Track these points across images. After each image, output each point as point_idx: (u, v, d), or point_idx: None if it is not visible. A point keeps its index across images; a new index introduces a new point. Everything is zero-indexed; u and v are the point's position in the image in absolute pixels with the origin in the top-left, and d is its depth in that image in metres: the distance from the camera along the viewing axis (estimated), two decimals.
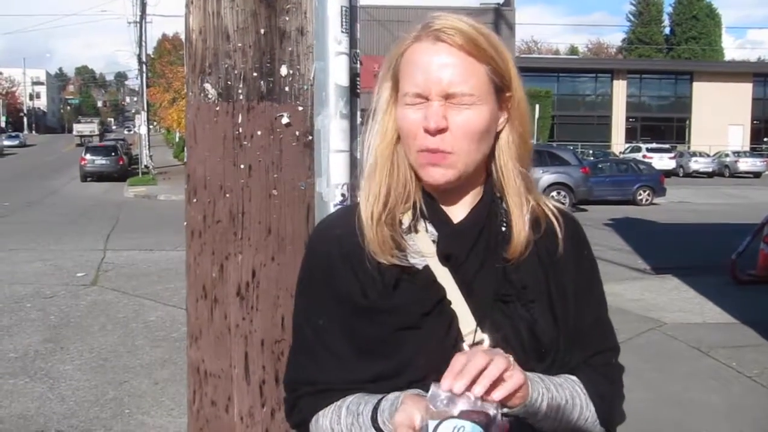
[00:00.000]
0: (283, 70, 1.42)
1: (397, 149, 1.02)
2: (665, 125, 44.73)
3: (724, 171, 34.11)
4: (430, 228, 1.01)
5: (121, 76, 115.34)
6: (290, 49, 1.42)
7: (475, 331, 0.96)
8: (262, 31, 1.40)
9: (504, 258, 0.99)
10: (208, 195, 1.46)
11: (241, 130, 1.43)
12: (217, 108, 1.43)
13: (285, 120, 1.42)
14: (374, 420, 0.92)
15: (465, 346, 0.95)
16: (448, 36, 0.94)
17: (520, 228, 0.99)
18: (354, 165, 1.50)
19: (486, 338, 0.96)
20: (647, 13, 61.76)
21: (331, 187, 1.44)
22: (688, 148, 40.49)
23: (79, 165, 27.01)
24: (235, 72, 1.41)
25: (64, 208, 17.36)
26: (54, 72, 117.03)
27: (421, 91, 0.95)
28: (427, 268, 0.98)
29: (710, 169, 34.24)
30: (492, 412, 0.85)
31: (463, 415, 0.84)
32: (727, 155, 35.46)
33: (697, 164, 34.51)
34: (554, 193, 16.43)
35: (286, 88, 1.43)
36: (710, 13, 59.24)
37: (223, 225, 1.45)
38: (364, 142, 1.06)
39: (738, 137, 42.39)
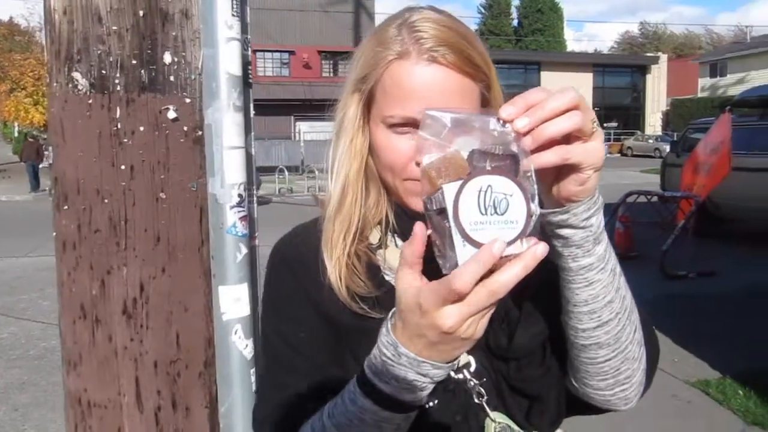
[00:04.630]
0: (167, 58, 1.26)
1: (366, 171, 0.91)
2: None
3: None
4: (400, 242, 0.92)
5: None
6: (174, 33, 1.26)
7: None
8: (141, 12, 1.24)
9: None
10: (83, 201, 1.28)
11: (119, 126, 1.26)
12: (90, 101, 1.25)
13: (171, 114, 1.27)
14: (362, 378, 0.75)
15: None
16: (442, 56, 0.84)
17: None
18: (250, 162, 1.37)
19: (471, 359, 0.88)
20: (497, 6, 64.59)
21: (226, 187, 1.31)
22: None
23: None
24: (110, 59, 1.24)
25: None
26: None
27: (416, 116, 0.83)
28: None
29: None
30: (521, 157, 0.66)
31: (480, 166, 0.65)
32: None
33: None
34: None
35: (171, 78, 1.27)
36: (553, 6, 62.90)
37: (103, 235, 1.27)
38: (329, 162, 0.94)
39: None
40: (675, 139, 16.44)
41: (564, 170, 0.72)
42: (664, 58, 51.08)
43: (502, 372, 0.89)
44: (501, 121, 0.66)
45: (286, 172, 21.24)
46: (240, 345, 1.32)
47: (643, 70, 49.44)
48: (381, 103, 0.88)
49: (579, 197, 0.74)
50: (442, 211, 0.65)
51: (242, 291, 1.31)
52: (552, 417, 0.91)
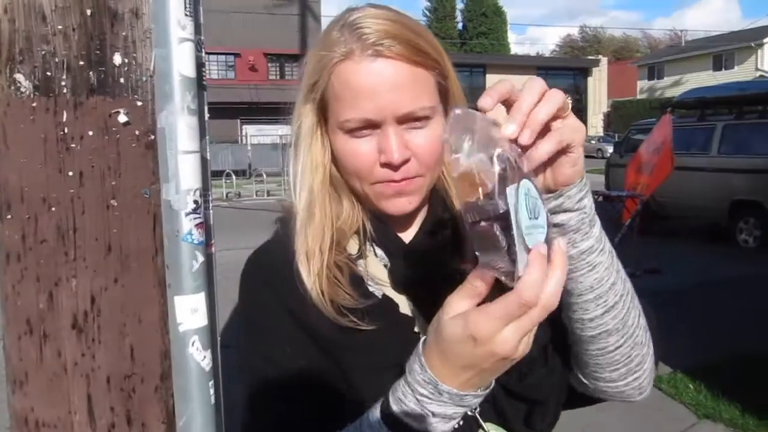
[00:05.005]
0: (117, 59, 1.21)
1: (333, 180, 0.88)
2: None
3: None
4: (379, 252, 0.89)
5: None
6: (124, 33, 1.21)
7: None
8: (89, 11, 1.18)
9: (463, 271, 0.89)
10: (27, 210, 1.21)
11: (67, 130, 1.20)
12: (34, 104, 1.19)
13: (122, 117, 1.21)
14: (389, 417, 0.69)
15: None
16: (387, 48, 0.80)
17: None
18: (205, 167, 1.33)
19: None
20: (442, 9, 65.28)
21: (181, 193, 1.26)
22: None
23: None
24: (56, 60, 1.18)
25: None
26: None
27: (372, 117, 0.80)
28: (387, 297, 0.85)
29: None
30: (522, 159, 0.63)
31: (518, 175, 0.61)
32: None
33: None
34: None
35: (121, 80, 1.22)
36: (497, 10, 63.91)
37: (50, 245, 1.21)
38: (290, 178, 0.90)
39: None
40: (617, 140, 16.87)
41: (553, 157, 0.70)
42: (604, 60, 52.43)
43: (500, 380, 0.87)
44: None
45: (234, 177, 20.98)
46: (198, 357, 1.27)
47: (584, 72, 50.66)
48: (334, 109, 0.85)
49: (574, 180, 0.73)
50: (499, 218, 0.60)
51: (199, 301, 1.27)
52: (552, 419, 0.90)
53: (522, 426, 0.88)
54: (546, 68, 49.23)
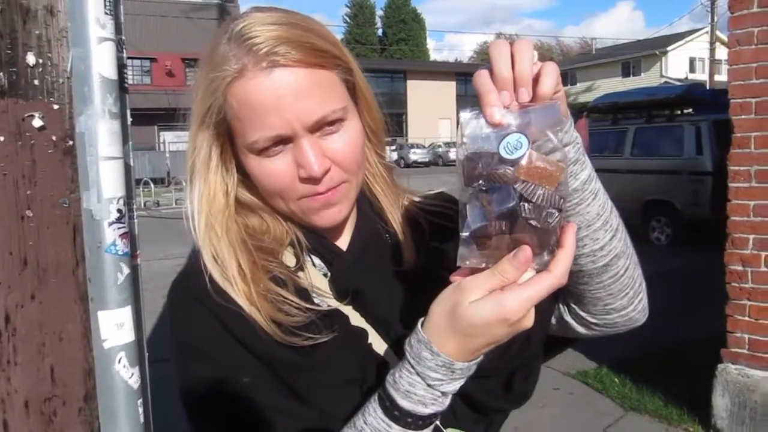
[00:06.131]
0: (30, 59, 1.13)
1: (247, 204, 0.83)
2: (385, 120, 47.98)
3: (438, 160, 37.67)
4: (317, 261, 0.84)
5: None
6: (38, 32, 1.14)
7: None
8: None
9: (403, 273, 0.86)
10: None
11: None
12: None
13: (37, 122, 1.14)
14: (402, 415, 0.68)
15: None
16: (283, 56, 0.75)
17: (406, 234, 0.88)
18: (129, 174, 1.26)
19: None
20: (362, 16, 65.58)
21: (103, 202, 1.18)
22: (407, 140, 43.98)
23: None
24: None
25: None
26: None
27: (282, 132, 0.75)
28: (336, 309, 0.81)
29: (427, 159, 37.57)
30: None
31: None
32: (439, 146, 39.28)
33: (415, 155, 37.69)
34: None
35: (36, 82, 1.14)
36: (415, 17, 64.84)
37: None
38: (189, 212, 0.84)
39: (447, 129, 47.33)
40: None
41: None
42: None
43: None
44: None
45: (152, 185, 20.39)
46: (125, 374, 1.20)
47: None
48: (239, 131, 0.79)
49: (567, 114, 0.73)
50: (559, 210, 0.62)
51: (125, 315, 1.20)
52: (535, 380, 0.90)
53: (501, 396, 0.86)
54: (464, 74, 50.22)
